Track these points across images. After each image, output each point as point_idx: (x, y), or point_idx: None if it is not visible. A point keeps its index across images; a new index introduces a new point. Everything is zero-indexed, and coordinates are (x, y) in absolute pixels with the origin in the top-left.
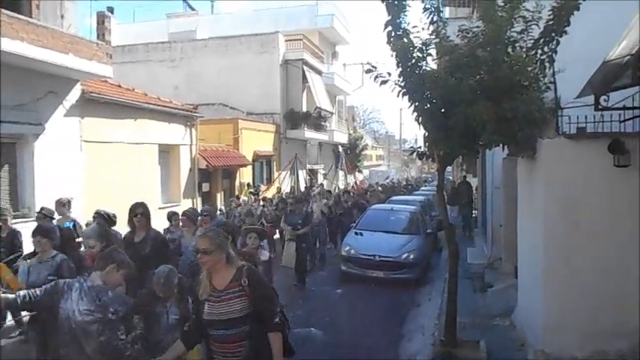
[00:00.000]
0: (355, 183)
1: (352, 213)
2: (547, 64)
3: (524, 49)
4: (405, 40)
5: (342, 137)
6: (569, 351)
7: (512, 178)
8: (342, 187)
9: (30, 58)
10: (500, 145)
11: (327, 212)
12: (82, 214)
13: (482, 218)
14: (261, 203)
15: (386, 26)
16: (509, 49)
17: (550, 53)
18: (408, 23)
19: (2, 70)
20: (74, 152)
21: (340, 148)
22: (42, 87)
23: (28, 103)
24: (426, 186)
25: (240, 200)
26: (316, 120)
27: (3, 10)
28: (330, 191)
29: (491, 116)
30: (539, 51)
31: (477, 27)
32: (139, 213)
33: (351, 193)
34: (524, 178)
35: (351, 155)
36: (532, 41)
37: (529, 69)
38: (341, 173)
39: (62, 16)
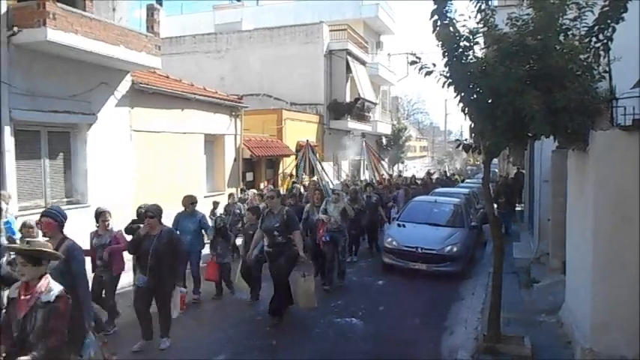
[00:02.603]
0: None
1: (376, 210)
2: (602, 53)
3: (577, 37)
4: (452, 29)
5: (385, 128)
6: (618, 350)
7: (562, 171)
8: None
9: (83, 50)
10: (550, 136)
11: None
12: (131, 201)
13: (529, 212)
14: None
15: (432, 15)
16: (561, 37)
17: (605, 41)
18: (455, 12)
19: (57, 62)
20: (124, 141)
21: (362, 137)
22: (94, 78)
23: (81, 93)
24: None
25: (246, 194)
26: (360, 111)
27: (58, 4)
28: (348, 185)
29: (541, 106)
30: (594, 39)
31: (527, 15)
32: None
33: (374, 188)
34: (574, 172)
35: (394, 146)
36: (586, 28)
37: (582, 57)
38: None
39: (114, 9)
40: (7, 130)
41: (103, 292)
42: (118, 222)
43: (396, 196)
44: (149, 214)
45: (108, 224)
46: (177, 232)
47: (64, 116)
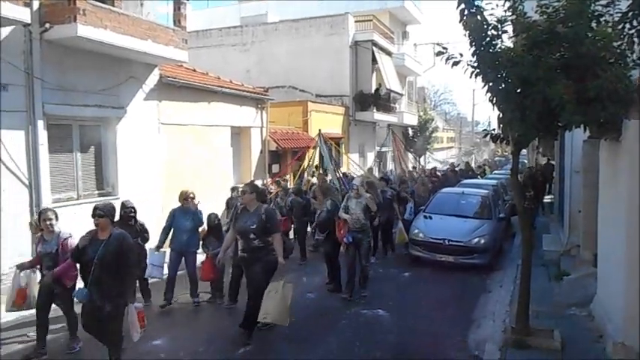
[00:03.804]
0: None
1: (392, 206)
2: (636, 40)
3: (610, 24)
4: (479, 17)
5: (411, 119)
6: None
7: (594, 161)
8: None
9: (113, 45)
10: (582, 126)
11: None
12: (160, 193)
13: (559, 203)
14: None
15: (459, 4)
16: (593, 24)
17: (639, 27)
18: (482, 0)
19: (87, 57)
20: (153, 134)
21: (388, 127)
22: (123, 72)
23: (110, 87)
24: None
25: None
26: (385, 102)
27: (88, 0)
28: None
29: (572, 95)
30: (627, 25)
31: (558, 1)
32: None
33: (388, 182)
34: (607, 162)
35: (420, 138)
36: (619, 15)
37: (615, 44)
38: (411, 156)
39: (141, 4)
40: (41, 124)
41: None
42: (147, 213)
43: (413, 190)
44: (98, 212)
45: (52, 226)
46: (172, 230)
47: (94, 110)
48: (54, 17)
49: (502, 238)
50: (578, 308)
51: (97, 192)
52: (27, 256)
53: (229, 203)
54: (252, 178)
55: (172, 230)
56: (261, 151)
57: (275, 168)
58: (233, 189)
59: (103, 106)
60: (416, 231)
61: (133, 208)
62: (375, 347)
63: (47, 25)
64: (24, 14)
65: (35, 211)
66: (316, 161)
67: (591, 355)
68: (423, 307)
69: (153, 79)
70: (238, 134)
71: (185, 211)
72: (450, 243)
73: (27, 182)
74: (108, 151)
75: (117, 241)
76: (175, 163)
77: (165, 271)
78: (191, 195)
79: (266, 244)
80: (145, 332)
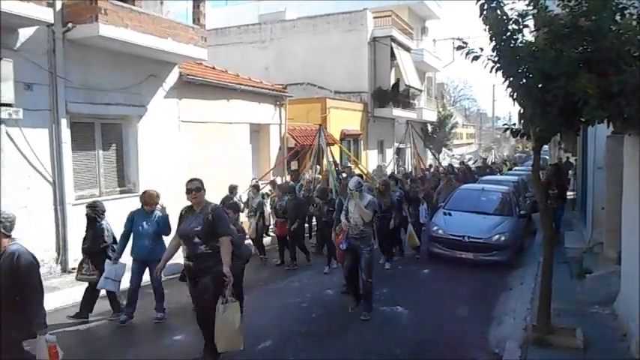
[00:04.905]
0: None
1: (401, 208)
2: None
3: (634, 17)
4: (499, 12)
5: (431, 115)
6: None
7: (617, 157)
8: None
9: (134, 44)
10: (605, 121)
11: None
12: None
13: (582, 200)
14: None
15: None
16: (617, 17)
17: None
18: None
19: (109, 56)
20: (173, 132)
21: (407, 124)
22: (144, 71)
23: (131, 86)
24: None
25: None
26: (404, 98)
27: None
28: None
29: (595, 90)
30: None
31: None
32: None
33: (397, 181)
34: (631, 158)
35: (439, 134)
36: None
37: None
38: (430, 153)
39: (161, 2)
40: (64, 123)
41: None
42: (168, 210)
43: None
44: None
45: None
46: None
47: (116, 108)
48: (76, 17)
49: (523, 235)
50: (601, 307)
51: (118, 189)
52: (51, 252)
53: (226, 203)
54: (272, 177)
55: (132, 236)
56: (280, 148)
57: (294, 165)
58: (232, 188)
59: (124, 104)
60: (435, 227)
61: (94, 207)
62: (395, 344)
63: (70, 25)
64: (47, 14)
65: (59, 209)
66: (327, 158)
67: (615, 354)
68: (442, 304)
69: (173, 77)
70: (257, 131)
71: (146, 214)
72: (470, 240)
73: (51, 180)
74: (129, 148)
75: (9, 261)
76: (195, 160)
77: (125, 285)
78: (152, 198)
79: (215, 250)
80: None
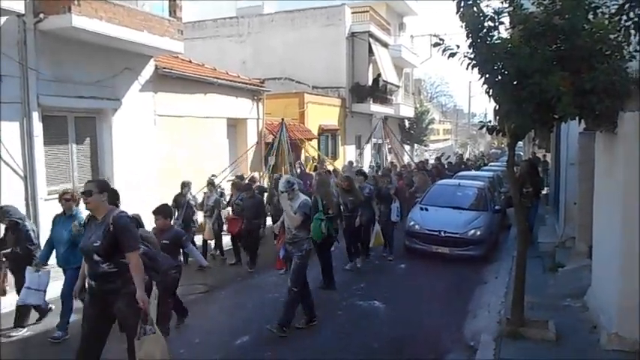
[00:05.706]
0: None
1: (370, 205)
2: (632, 32)
3: (606, 16)
4: (476, 9)
5: (408, 111)
6: None
7: (589, 153)
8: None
9: (108, 36)
10: (577, 118)
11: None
12: (156, 184)
13: (555, 196)
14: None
15: None
16: (590, 16)
17: (636, 19)
18: None
19: (82, 49)
20: (149, 126)
21: (382, 120)
22: (118, 63)
23: (106, 79)
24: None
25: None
26: (382, 93)
27: None
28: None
29: (568, 87)
30: (624, 17)
31: None
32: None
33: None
34: (602, 154)
35: (416, 129)
36: (616, 6)
37: (612, 36)
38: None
39: None
40: (36, 116)
41: None
42: (143, 205)
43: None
44: None
45: None
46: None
47: (89, 102)
48: (48, 8)
49: (498, 230)
50: (573, 299)
51: None
52: None
53: (178, 201)
54: (250, 172)
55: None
56: (258, 143)
57: (271, 160)
58: (184, 185)
59: (98, 97)
60: (412, 222)
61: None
62: (372, 339)
63: (41, 16)
64: (18, 4)
65: (31, 204)
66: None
67: (585, 346)
68: (418, 298)
69: (148, 70)
70: (234, 126)
71: (66, 218)
72: (446, 234)
73: (22, 174)
74: (104, 142)
75: None
76: (171, 154)
77: (49, 295)
78: (66, 196)
79: (122, 267)
80: None
